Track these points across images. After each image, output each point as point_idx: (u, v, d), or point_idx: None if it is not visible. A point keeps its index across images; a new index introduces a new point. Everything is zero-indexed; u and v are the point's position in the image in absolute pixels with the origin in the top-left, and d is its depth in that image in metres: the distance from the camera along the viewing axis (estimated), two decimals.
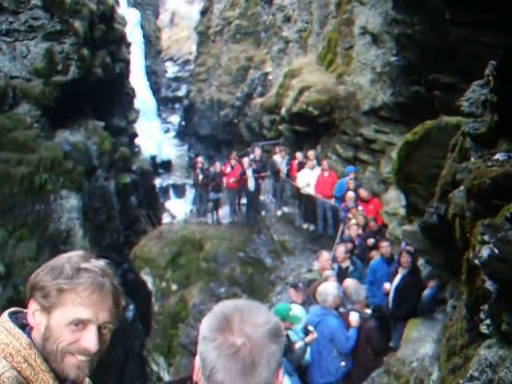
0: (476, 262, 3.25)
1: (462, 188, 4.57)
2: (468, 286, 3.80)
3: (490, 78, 4.55)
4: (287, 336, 8.21)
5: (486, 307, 3.72)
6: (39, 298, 2.08)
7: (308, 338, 8.45)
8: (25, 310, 2.18)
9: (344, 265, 12.59)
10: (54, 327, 2.05)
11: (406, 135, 16.55)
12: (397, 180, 7.80)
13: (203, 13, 44.36)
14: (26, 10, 21.15)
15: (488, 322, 3.70)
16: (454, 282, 6.31)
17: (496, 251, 2.97)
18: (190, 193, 34.90)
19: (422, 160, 6.92)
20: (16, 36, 21.11)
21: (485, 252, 3.08)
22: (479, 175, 3.98)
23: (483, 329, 3.79)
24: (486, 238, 3.13)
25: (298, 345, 8.45)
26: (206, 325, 1.77)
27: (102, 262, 2.19)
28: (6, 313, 2.15)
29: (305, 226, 20.27)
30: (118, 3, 31.21)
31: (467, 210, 4.20)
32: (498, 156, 4.46)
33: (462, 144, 5.24)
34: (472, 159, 4.78)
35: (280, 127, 24.72)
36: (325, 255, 12.65)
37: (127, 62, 30.88)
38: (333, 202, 18.26)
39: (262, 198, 22.60)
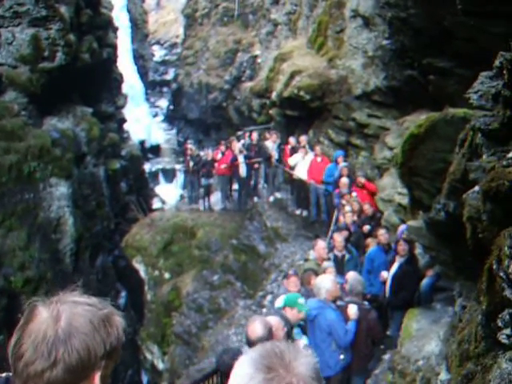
0: (502, 275, 3.09)
1: (477, 189, 4.39)
2: (488, 296, 3.63)
3: (504, 71, 4.34)
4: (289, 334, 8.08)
5: (504, 315, 3.55)
6: None
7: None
8: None
9: (340, 254, 12.45)
10: None
11: (398, 120, 16.59)
12: (401, 174, 7.61)
13: None
14: None
15: (508, 332, 3.54)
16: (462, 281, 6.16)
17: None
18: (180, 177, 34.70)
19: (427, 154, 6.74)
20: (1, 22, 20.76)
21: None
22: (497, 177, 3.80)
23: (502, 338, 3.62)
24: None
25: (302, 343, 8.34)
26: (250, 363, 1.68)
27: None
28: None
29: (298, 211, 20.13)
30: None
31: (483, 212, 4.03)
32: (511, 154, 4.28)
33: (472, 139, 5.06)
34: (484, 156, 4.60)
35: (271, 111, 24.52)
36: (320, 244, 12.49)
37: (114, 47, 30.59)
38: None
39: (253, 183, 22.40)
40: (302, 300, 8.57)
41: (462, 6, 4.19)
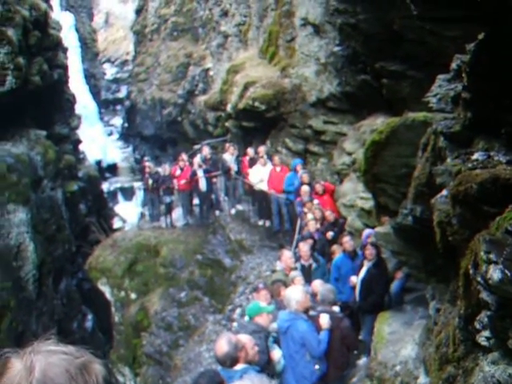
0: (480, 280, 3.09)
1: (445, 193, 4.41)
2: (465, 299, 3.63)
3: (463, 74, 4.38)
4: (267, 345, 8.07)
5: (482, 318, 3.55)
6: None
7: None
8: None
9: (307, 263, 12.45)
10: None
11: (355, 125, 16.71)
12: (365, 181, 7.63)
13: (138, 12, 43.69)
14: None
15: (487, 334, 3.54)
16: (434, 284, 6.18)
17: (508, 274, 2.80)
18: (139, 195, 34.43)
19: (389, 160, 6.77)
20: None
21: (495, 275, 2.91)
22: (464, 180, 3.82)
23: (481, 340, 3.63)
24: (493, 257, 2.96)
25: (277, 355, 8.35)
26: None
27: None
28: None
29: (260, 222, 20.12)
30: (51, 8, 30.35)
31: (453, 216, 4.04)
32: (476, 156, 4.32)
33: (435, 143, 5.09)
34: (448, 160, 4.63)
35: (226, 124, 24.48)
36: (286, 254, 12.51)
37: (65, 68, 30.16)
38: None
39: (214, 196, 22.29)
40: (262, 303, 8.72)
41: (417, 12, 4.21)
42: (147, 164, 24.36)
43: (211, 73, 33.67)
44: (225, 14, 31.06)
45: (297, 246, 14.16)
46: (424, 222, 5.32)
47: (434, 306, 5.95)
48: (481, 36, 4.33)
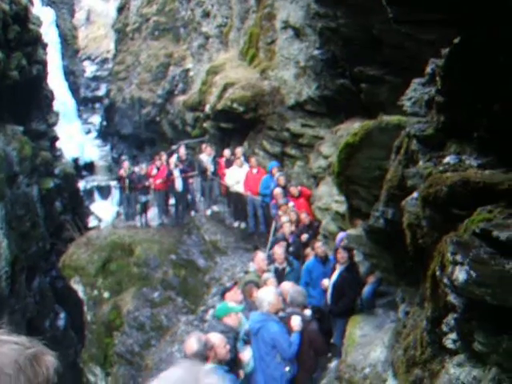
0: (446, 281, 3.08)
1: (415, 195, 4.42)
2: (432, 301, 3.63)
3: (437, 78, 4.39)
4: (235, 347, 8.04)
5: (449, 320, 3.56)
6: None
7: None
8: None
9: (281, 266, 12.44)
10: None
11: (332, 129, 16.73)
12: (338, 183, 7.63)
13: (120, 10, 43.52)
14: None
15: (454, 336, 3.55)
16: (404, 287, 6.19)
17: (473, 274, 2.80)
18: (116, 194, 34.25)
19: (363, 162, 6.77)
20: None
21: (460, 275, 2.91)
22: (435, 182, 3.82)
23: (448, 343, 3.64)
24: (459, 258, 2.95)
25: (247, 356, 8.33)
26: None
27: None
28: None
29: (235, 224, 20.08)
30: (31, 3, 30.18)
31: (423, 218, 4.04)
32: (448, 159, 4.32)
33: (408, 146, 5.10)
34: (420, 163, 4.64)
35: (205, 125, 24.43)
36: (260, 255, 12.48)
37: (44, 64, 30.00)
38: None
39: (190, 197, 22.21)
40: (230, 303, 8.74)
41: (393, 15, 4.21)
42: (124, 164, 24.19)
43: (191, 73, 33.61)
44: (206, 14, 31.00)
45: (271, 248, 14.15)
46: (395, 225, 5.33)
47: (404, 309, 5.97)
48: (456, 40, 4.34)
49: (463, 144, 4.39)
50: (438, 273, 3.36)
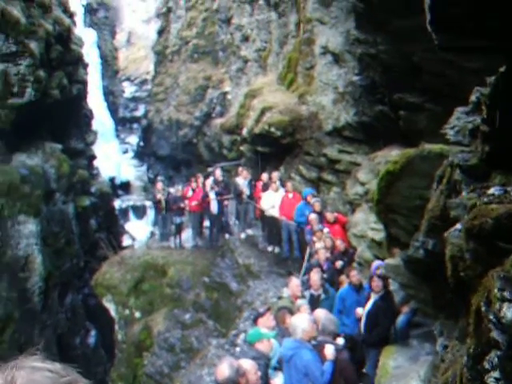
0: (492, 318, 2.97)
1: (459, 227, 4.31)
2: (475, 337, 3.51)
3: (483, 106, 4.29)
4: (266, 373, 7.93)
5: (492, 357, 3.43)
6: None
7: None
8: None
9: (316, 292, 12.30)
10: None
11: (370, 155, 16.61)
12: (377, 211, 7.52)
13: (160, 32, 44.03)
14: None
15: (497, 374, 3.41)
16: (442, 320, 6.04)
17: None
18: (150, 214, 34.40)
19: (403, 191, 6.66)
20: None
21: (509, 313, 2.80)
22: (479, 214, 3.71)
23: (490, 381, 3.50)
24: (507, 294, 2.85)
25: (279, 383, 8.21)
26: None
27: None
28: None
29: (269, 248, 19.99)
30: (74, 24, 30.67)
31: (466, 251, 3.93)
32: (492, 190, 4.21)
33: (451, 175, 4.99)
34: (464, 193, 4.53)
35: (241, 148, 24.48)
36: (294, 281, 12.38)
37: (84, 83, 30.42)
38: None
39: (224, 220, 22.18)
40: (262, 329, 8.63)
41: (439, 42, 4.13)
42: (160, 184, 24.28)
43: (229, 96, 33.81)
44: (246, 39, 31.21)
45: (305, 274, 14.02)
46: (435, 256, 5.21)
47: (442, 342, 5.81)
48: (502, 69, 4.25)
49: (508, 175, 4.28)
50: (483, 308, 3.25)
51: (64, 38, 26.16)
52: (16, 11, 21.60)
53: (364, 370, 10.89)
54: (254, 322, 10.38)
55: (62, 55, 25.43)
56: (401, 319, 10.40)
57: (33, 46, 21.93)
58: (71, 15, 30.30)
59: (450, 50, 4.32)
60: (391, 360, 9.22)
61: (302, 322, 8.83)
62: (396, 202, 6.76)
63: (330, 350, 8.71)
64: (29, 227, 20.22)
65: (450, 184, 4.99)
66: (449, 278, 4.74)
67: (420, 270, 6.04)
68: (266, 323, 9.62)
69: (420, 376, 7.01)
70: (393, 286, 10.39)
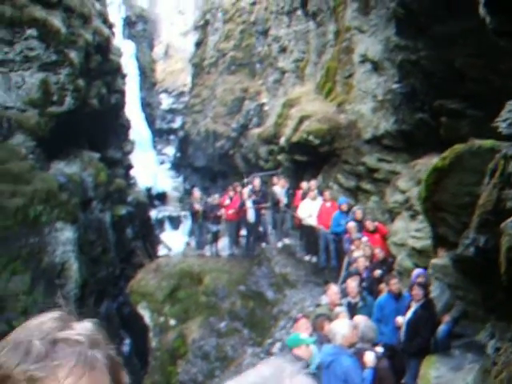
0: None
1: None
2: None
3: None
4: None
5: None
6: None
7: None
8: None
9: (354, 300, 12.09)
10: None
11: (409, 163, 16.37)
12: (424, 209, 7.31)
13: (198, 45, 44.39)
14: (21, 41, 20.92)
15: None
16: (494, 321, 5.81)
17: None
18: (186, 224, 34.47)
19: (451, 187, 6.45)
20: (11, 66, 20.86)
21: None
22: None
23: None
24: None
25: None
26: None
27: (88, 325, 1.46)
28: None
29: (306, 257, 19.82)
30: (113, 35, 31.07)
31: None
32: None
33: (504, 168, 4.79)
34: None
35: (279, 157, 24.39)
36: (333, 288, 12.18)
37: (123, 93, 30.74)
38: None
39: (261, 228, 22.05)
40: (303, 334, 8.48)
41: (493, 25, 3.98)
42: (196, 192, 24.25)
43: (266, 108, 33.82)
44: (283, 50, 31.25)
45: (343, 283, 13.82)
46: (487, 253, 5.00)
47: (494, 345, 5.58)
48: None
49: None
50: None
51: (103, 48, 26.49)
52: (57, 21, 21.93)
53: (403, 381, 10.67)
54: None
55: (100, 65, 25.75)
56: (442, 329, 10.15)
57: (72, 55, 22.22)
58: (110, 26, 30.73)
59: (504, 36, 4.15)
60: (433, 370, 8.98)
61: (341, 327, 8.65)
62: (444, 199, 6.55)
63: (370, 357, 8.52)
64: (66, 234, 20.33)
65: (504, 176, 4.79)
66: (502, 276, 4.54)
67: (470, 270, 5.81)
68: (301, 329, 9.49)
69: (468, 383, 6.77)
70: (434, 292, 10.18)
